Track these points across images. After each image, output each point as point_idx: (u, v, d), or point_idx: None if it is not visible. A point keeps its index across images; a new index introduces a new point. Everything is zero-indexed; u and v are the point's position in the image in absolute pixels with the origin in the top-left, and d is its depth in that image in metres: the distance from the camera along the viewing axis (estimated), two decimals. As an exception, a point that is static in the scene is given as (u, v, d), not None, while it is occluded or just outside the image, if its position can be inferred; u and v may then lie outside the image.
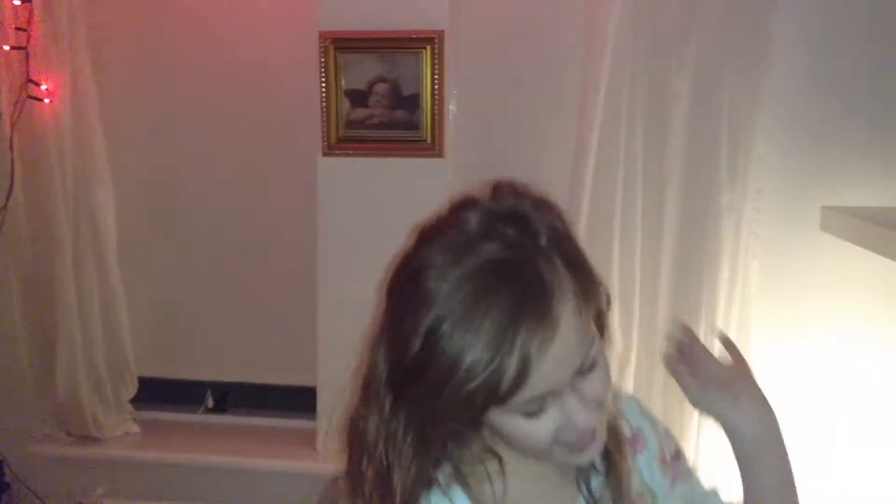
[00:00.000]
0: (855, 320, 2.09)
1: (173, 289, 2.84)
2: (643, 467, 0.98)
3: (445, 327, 0.75)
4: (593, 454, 0.87)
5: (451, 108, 2.55)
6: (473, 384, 0.75)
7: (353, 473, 0.88)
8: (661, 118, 2.07)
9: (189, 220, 2.80)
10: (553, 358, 0.75)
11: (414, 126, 2.52)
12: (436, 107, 2.48)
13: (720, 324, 2.07)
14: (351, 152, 2.51)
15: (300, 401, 2.65)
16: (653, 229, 2.13)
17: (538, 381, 0.76)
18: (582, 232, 2.12)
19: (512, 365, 0.74)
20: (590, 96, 2.08)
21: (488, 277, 0.76)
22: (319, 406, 2.54)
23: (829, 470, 2.02)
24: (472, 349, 0.74)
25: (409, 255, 0.85)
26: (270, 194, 2.75)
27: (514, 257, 0.77)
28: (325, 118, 2.49)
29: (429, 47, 2.43)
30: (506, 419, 0.80)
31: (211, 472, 2.55)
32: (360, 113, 2.52)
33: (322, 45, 2.40)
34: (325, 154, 2.50)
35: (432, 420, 0.82)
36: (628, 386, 2.15)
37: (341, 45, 2.42)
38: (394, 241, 2.73)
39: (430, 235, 0.85)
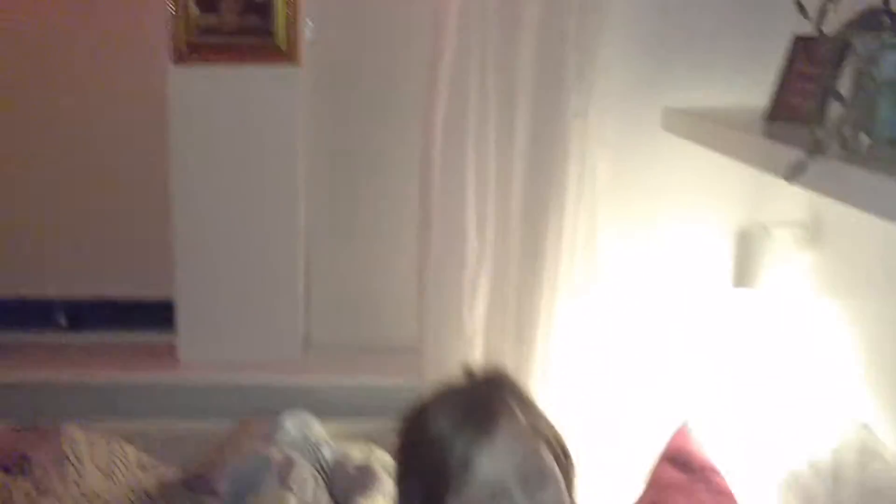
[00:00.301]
0: (694, 214, 2.26)
1: (17, 203, 2.71)
2: None
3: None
4: None
5: (306, 17, 2.52)
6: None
7: None
8: (511, 22, 2.12)
9: (31, 128, 2.66)
10: (490, 454, 1.05)
11: (268, 32, 2.47)
12: (290, 12, 2.43)
13: (568, 223, 2.20)
14: (202, 60, 2.44)
15: (157, 315, 2.64)
16: (506, 134, 2.21)
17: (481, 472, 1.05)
18: (437, 139, 2.18)
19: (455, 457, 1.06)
20: (442, 4, 2.10)
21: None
22: (179, 318, 2.54)
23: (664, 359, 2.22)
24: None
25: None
26: (119, 103, 2.65)
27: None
28: (174, 24, 2.40)
29: (281, -47, 2.37)
30: None
31: (70, 391, 2.50)
32: (211, 19, 2.44)
33: (168, -54, 2.30)
34: (175, 62, 2.42)
35: None
36: (484, 282, 2.27)
37: (188, -54, 2.33)
38: (248, 151, 2.75)
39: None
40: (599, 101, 2.17)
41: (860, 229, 1.16)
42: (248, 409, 2.44)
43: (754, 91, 1.85)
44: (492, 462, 1.06)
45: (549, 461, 1.10)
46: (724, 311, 2.01)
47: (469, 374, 1.24)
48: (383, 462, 2.20)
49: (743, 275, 2.23)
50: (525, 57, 2.15)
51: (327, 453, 2.21)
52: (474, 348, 2.35)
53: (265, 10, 2.44)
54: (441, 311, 2.31)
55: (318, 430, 2.35)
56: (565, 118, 2.15)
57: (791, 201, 1.98)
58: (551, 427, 1.18)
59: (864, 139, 1.36)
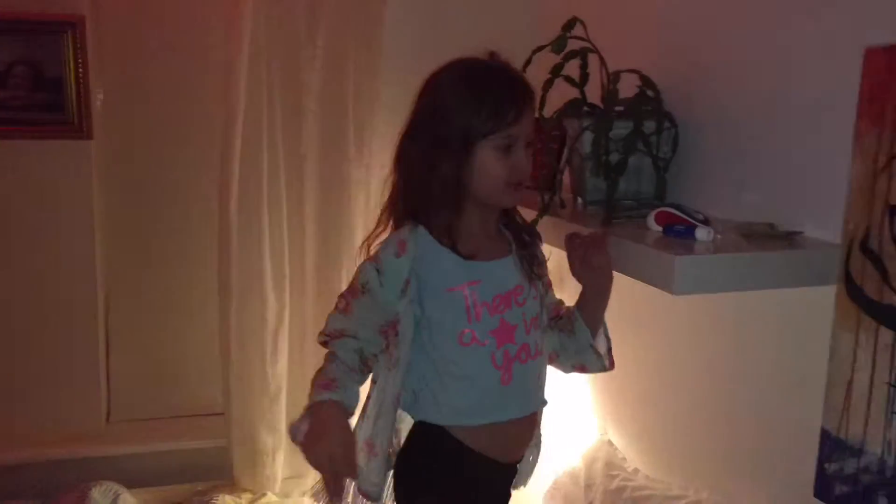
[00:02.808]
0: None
1: None
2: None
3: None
4: (519, 199, 1.39)
5: (97, 92, 2.60)
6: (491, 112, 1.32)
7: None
8: (296, 104, 2.34)
9: None
10: (526, 119, 1.33)
11: (59, 108, 2.53)
12: (81, 89, 2.51)
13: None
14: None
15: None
16: (296, 205, 2.42)
17: (517, 127, 1.32)
18: (232, 213, 2.32)
19: (512, 112, 1.31)
20: (233, 84, 2.28)
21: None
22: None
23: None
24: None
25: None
26: None
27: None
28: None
29: (70, 31, 2.45)
30: (487, 153, 1.31)
31: None
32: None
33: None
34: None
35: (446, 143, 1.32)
36: (283, 339, 2.42)
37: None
38: (43, 224, 2.73)
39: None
40: (380, 172, 2.42)
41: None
42: (53, 484, 2.42)
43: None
44: (524, 122, 1.33)
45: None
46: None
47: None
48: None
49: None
50: (310, 132, 2.37)
51: (138, 518, 2.25)
52: (280, 405, 2.48)
53: (56, 88, 2.51)
54: (245, 370, 2.43)
55: (128, 497, 2.38)
56: (349, 188, 2.38)
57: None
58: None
59: (579, 201, 1.70)
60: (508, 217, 1.48)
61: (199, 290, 2.71)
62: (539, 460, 1.58)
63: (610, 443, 2.03)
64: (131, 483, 2.47)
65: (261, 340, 2.41)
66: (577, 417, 2.14)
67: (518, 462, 1.50)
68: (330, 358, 1.35)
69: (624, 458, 1.97)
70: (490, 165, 1.33)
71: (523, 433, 1.48)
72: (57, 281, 2.60)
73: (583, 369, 1.54)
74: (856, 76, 1.21)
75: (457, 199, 1.36)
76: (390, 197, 1.42)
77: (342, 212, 2.40)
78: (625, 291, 1.50)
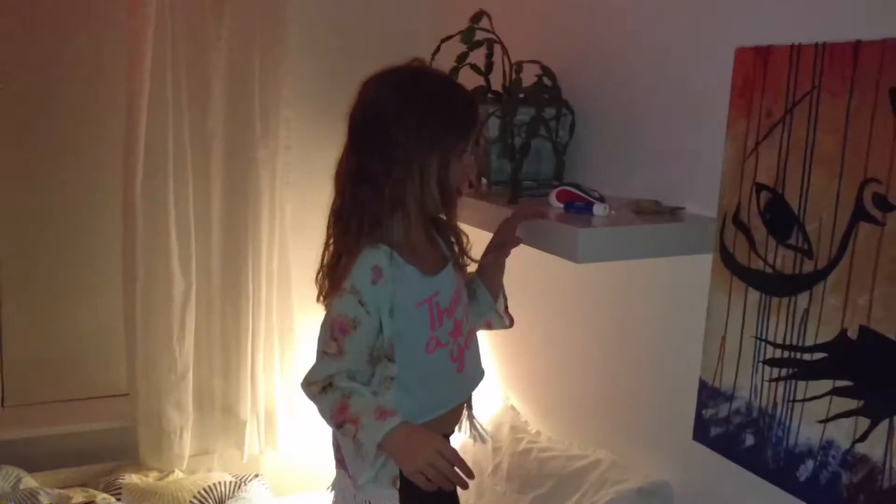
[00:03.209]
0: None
1: None
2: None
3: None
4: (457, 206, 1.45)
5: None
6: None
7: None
8: (202, 88, 2.36)
9: None
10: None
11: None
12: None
13: (264, 255, 2.47)
14: None
15: None
16: (203, 183, 2.43)
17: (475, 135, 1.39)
18: (138, 190, 2.32)
19: (475, 122, 1.40)
20: (136, 68, 2.27)
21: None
22: None
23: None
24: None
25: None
26: None
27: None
28: None
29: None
30: (447, 166, 1.35)
31: None
32: None
33: None
34: None
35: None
36: (190, 317, 2.45)
37: None
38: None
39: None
40: (284, 152, 2.48)
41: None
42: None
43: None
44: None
45: None
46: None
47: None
48: (106, 501, 2.27)
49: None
50: (217, 113, 2.39)
51: (45, 500, 2.23)
52: (187, 382, 2.50)
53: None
54: (151, 349, 2.44)
55: (30, 480, 2.35)
56: (256, 167, 2.42)
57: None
58: None
59: (484, 182, 1.84)
60: (436, 222, 1.51)
61: (98, 270, 2.67)
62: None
63: (513, 408, 2.19)
64: (32, 467, 2.43)
65: (167, 319, 2.42)
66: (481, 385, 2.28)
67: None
68: (341, 398, 1.33)
69: (526, 422, 2.13)
70: (449, 175, 1.37)
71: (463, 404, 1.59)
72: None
73: (489, 326, 1.66)
74: (728, 72, 1.39)
75: (411, 213, 1.37)
76: (337, 214, 1.40)
77: (249, 190, 2.44)
78: (525, 263, 1.65)
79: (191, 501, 2.36)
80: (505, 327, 1.67)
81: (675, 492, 1.64)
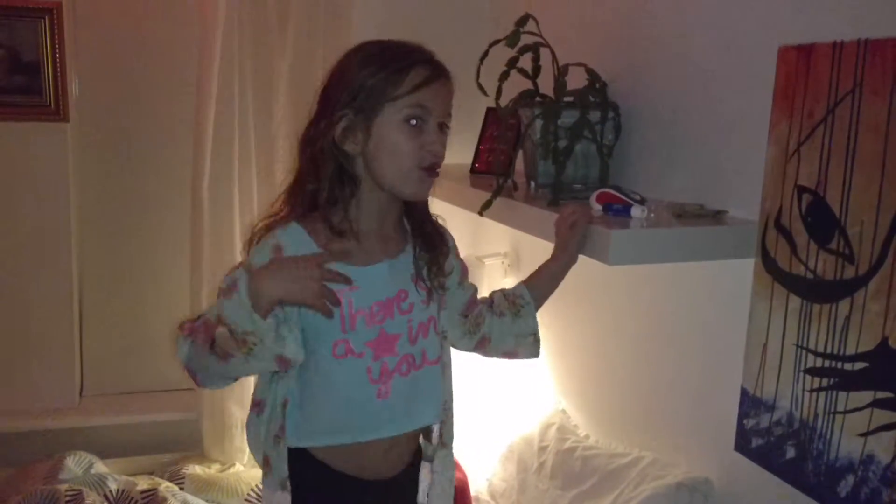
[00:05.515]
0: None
1: None
2: (452, 260, 1.41)
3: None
4: (429, 190, 1.26)
5: (74, 76, 2.68)
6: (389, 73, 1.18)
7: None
8: (267, 90, 2.44)
9: None
10: (440, 95, 1.21)
11: (36, 91, 2.61)
12: (58, 73, 2.59)
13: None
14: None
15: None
16: (266, 185, 2.51)
17: (428, 96, 1.19)
18: (204, 189, 2.42)
19: (416, 77, 1.18)
20: (205, 72, 2.37)
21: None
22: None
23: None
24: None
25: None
26: None
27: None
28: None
29: (47, 17, 2.54)
30: (392, 125, 1.18)
31: None
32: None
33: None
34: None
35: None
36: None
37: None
38: (20, 205, 2.82)
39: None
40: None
41: (544, 254, 1.55)
42: (28, 455, 2.51)
43: (465, 152, 2.26)
44: (434, 94, 1.20)
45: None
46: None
47: None
48: (169, 489, 2.37)
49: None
50: (281, 115, 2.47)
51: (112, 485, 2.34)
52: (248, 379, 2.56)
53: (33, 72, 2.58)
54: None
55: (101, 466, 2.47)
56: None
57: (498, 237, 2.42)
58: None
59: (532, 185, 1.83)
60: (415, 214, 1.34)
61: (172, 268, 2.81)
62: (450, 480, 1.44)
63: (564, 412, 2.17)
64: (104, 454, 2.56)
65: (231, 317, 2.49)
66: (534, 390, 2.27)
67: (398, 474, 1.36)
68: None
69: (576, 426, 2.11)
70: (396, 140, 1.19)
71: (402, 452, 1.35)
72: (33, 259, 2.68)
73: (511, 356, 1.49)
74: (771, 72, 1.36)
75: (354, 181, 1.23)
76: (291, 183, 1.28)
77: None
78: (573, 270, 1.63)
79: (248, 494, 2.43)
80: (534, 356, 1.50)
81: (716, 489, 1.59)
